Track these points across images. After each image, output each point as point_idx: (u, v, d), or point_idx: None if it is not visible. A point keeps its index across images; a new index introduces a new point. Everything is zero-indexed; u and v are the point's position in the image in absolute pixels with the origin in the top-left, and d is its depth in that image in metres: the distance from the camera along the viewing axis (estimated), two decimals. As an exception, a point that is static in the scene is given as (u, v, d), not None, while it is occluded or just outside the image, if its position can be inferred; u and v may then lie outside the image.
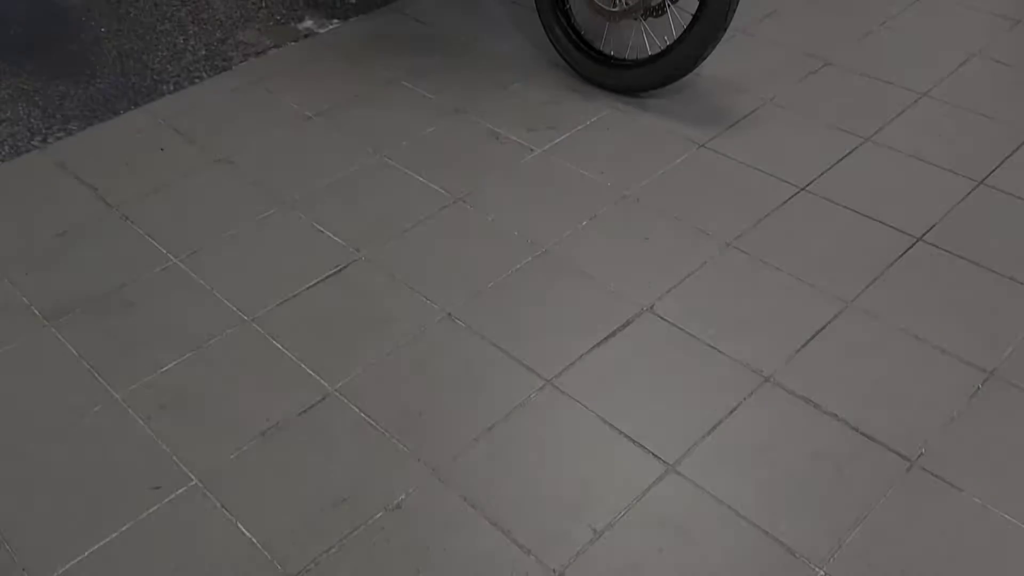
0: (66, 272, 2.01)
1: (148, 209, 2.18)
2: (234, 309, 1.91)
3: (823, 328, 1.84)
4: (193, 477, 1.59)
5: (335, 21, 2.93)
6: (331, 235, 2.10)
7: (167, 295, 1.95)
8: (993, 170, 2.23)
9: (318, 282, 1.97)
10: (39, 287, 1.98)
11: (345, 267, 2.01)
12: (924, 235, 2.05)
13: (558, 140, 2.39)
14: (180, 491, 1.57)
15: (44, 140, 2.42)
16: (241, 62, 2.73)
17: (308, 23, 2.93)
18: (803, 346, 1.80)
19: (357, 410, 1.69)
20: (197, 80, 2.65)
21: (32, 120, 2.49)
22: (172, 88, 2.62)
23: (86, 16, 2.98)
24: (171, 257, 2.04)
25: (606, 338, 1.83)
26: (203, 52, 2.78)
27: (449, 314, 1.89)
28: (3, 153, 2.37)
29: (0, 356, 1.83)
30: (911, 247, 2.02)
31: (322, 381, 1.75)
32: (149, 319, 1.89)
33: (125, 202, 2.21)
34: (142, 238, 2.10)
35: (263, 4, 3.03)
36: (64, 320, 1.90)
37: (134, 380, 1.76)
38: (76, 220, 2.16)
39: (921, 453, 1.60)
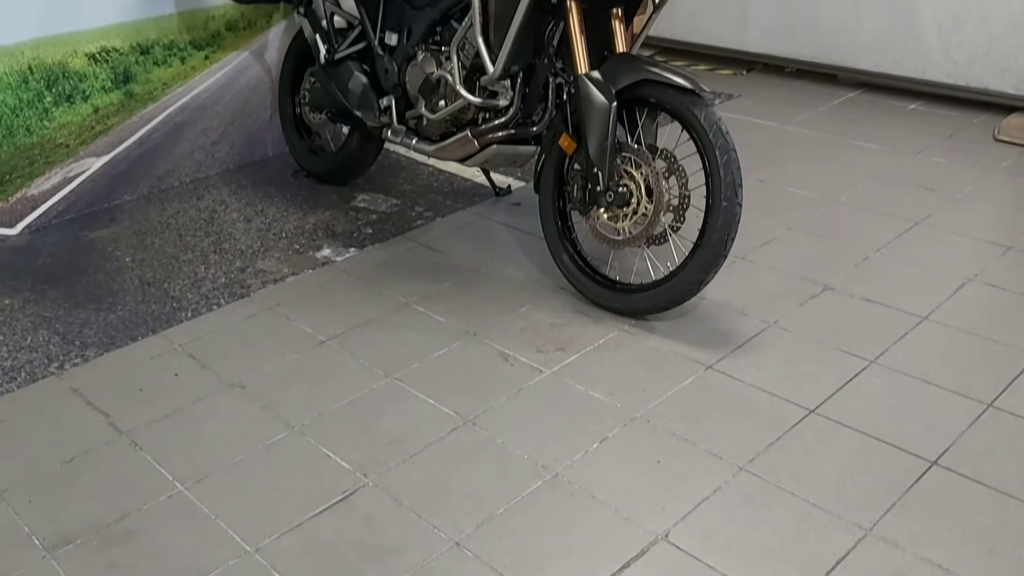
0: (70, 500, 1.99)
1: (158, 435, 2.19)
2: (237, 539, 1.87)
3: (844, 557, 1.78)
4: None
5: (352, 249, 3.06)
6: (339, 460, 2.08)
7: (170, 525, 1.91)
8: (1001, 392, 2.24)
9: (324, 510, 1.94)
10: (42, 516, 1.95)
11: (352, 493, 1.98)
12: (939, 459, 2.03)
13: (567, 361, 2.42)
14: None
15: (61, 367, 2.46)
16: (259, 289, 2.82)
17: (326, 251, 3.05)
18: (825, 577, 1.74)
19: (360, 649, 1.62)
20: (215, 307, 2.73)
21: (51, 347, 2.55)
22: (190, 315, 2.69)
23: (112, 246, 3.12)
24: (177, 484, 2.02)
25: (620, 569, 1.77)
26: (223, 280, 2.88)
27: (457, 543, 1.84)
28: (19, 380, 2.41)
29: (-6, 590, 1.77)
30: (926, 471, 1.99)
31: (325, 617, 1.68)
32: (151, 550, 1.85)
33: (135, 428, 2.21)
34: (150, 465, 2.09)
35: (283, 234, 3.18)
36: (64, 551, 1.85)
37: (130, 616, 1.70)
38: (85, 447, 2.15)
39: None
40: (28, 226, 3.25)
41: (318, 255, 3.03)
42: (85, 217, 3.34)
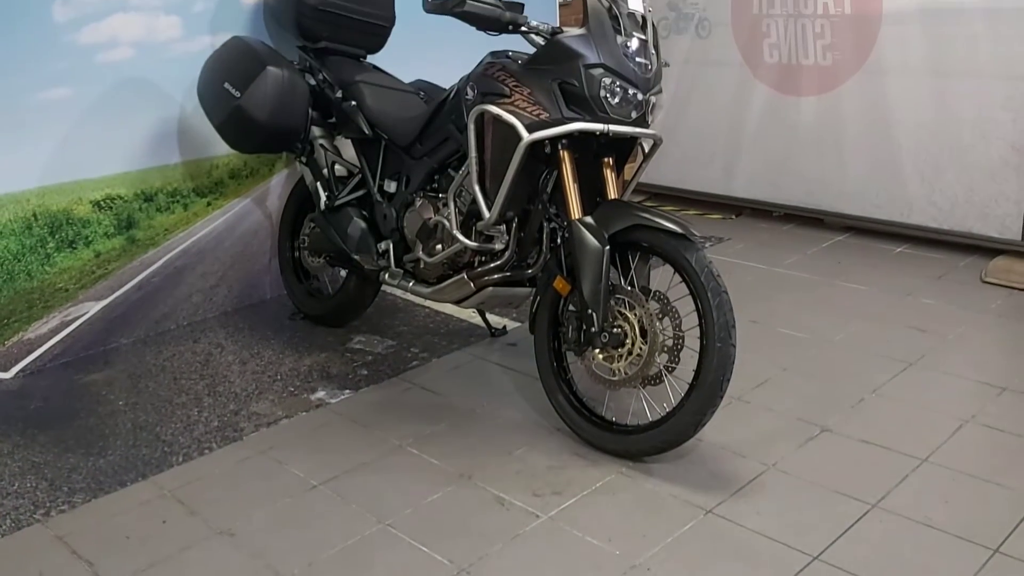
0: (47, 656, 1.91)
1: (142, 585, 2.12)
2: None
3: None
4: None
5: (347, 391, 3.05)
6: (329, 612, 2.01)
7: None
8: (1007, 537, 2.19)
9: (313, 665, 1.86)
10: (15, 674, 1.86)
11: (342, 648, 1.90)
12: (949, 607, 1.97)
13: (564, 505, 2.37)
14: None
15: (47, 514, 2.40)
16: (252, 432, 2.79)
17: (320, 394, 3.04)
18: None
19: None
20: (207, 451, 2.70)
21: (38, 493, 2.50)
22: (181, 459, 2.65)
23: (106, 390, 3.11)
24: (160, 638, 1.95)
25: None
26: (215, 423, 2.85)
27: None
28: (3, 528, 2.35)
29: None
30: (937, 620, 1.93)
31: None
32: None
33: (119, 578, 2.15)
34: (132, 617, 2.01)
35: (278, 376, 3.17)
36: None
37: None
38: (66, 598, 2.08)
39: None
40: (22, 370, 3.24)
41: (312, 397, 3.02)
42: (80, 360, 3.33)
